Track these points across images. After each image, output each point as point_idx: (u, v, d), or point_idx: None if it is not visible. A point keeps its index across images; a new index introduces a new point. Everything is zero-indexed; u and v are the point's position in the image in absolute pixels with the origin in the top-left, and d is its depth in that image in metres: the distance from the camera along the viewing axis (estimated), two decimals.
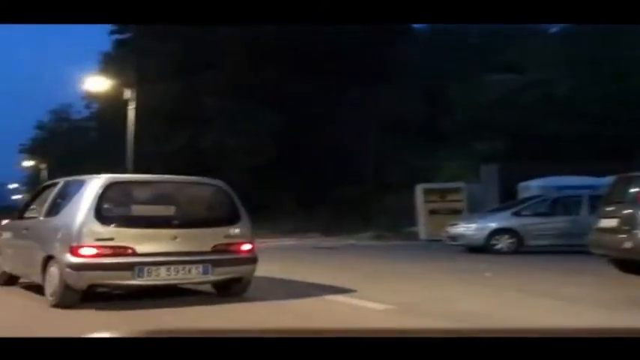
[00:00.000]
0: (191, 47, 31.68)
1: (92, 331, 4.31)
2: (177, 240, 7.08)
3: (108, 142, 36.90)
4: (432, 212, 22.11)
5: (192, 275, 7.13)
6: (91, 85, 28.52)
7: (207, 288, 7.81)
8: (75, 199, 7.22)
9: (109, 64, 35.21)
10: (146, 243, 6.97)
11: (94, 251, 6.72)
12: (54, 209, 7.69)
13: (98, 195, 6.95)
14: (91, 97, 44.09)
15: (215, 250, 7.26)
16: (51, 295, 6.96)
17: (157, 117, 32.60)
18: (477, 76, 29.28)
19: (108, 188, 7.09)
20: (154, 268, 6.89)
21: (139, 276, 6.83)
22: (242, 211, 7.73)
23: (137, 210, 7.40)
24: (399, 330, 1.17)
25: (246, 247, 7.52)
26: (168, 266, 6.95)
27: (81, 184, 7.45)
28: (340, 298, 7.68)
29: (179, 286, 7.55)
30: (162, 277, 6.98)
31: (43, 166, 53.33)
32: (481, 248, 15.60)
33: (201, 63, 32.09)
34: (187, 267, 7.06)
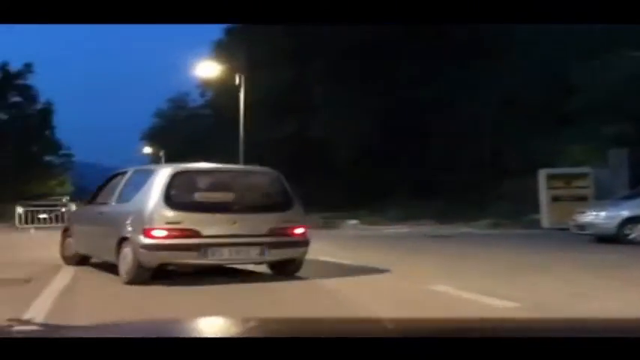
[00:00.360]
0: (299, 35, 31.45)
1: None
2: (237, 224, 7.68)
3: (222, 129, 37.50)
4: (556, 199, 20.68)
5: (251, 256, 7.80)
6: (203, 71, 29.04)
7: (263, 269, 8.39)
8: (146, 186, 7.80)
9: (220, 51, 35.72)
10: (209, 226, 7.56)
11: (164, 233, 7.35)
12: (126, 196, 8.30)
13: (167, 183, 7.59)
14: (204, 85, 45.89)
15: (271, 233, 7.83)
16: (125, 273, 7.52)
17: (266, 104, 32.91)
18: (603, 52, 27.11)
19: (175, 177, 7.75)
20: (217, 249, 7.51)
21: (203, 256, 7.43)
22: (294, 197, 8.34)
23: (201, 196, 7.93)
24: (400, 330, 1.05)
25: (299, 230, 8.11)
26: (229, 247, 7.61)
27: (150, 173, 8.18)
28: (459, 293, 6.90)
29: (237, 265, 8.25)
30: (224, 257, 7.66)
31: (161, 153, 55.17)
32: (612, 238, 14.31)
33: (310, 51, 31.85)
34: (246, 248, 7.73)
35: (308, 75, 31.07)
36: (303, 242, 8.16)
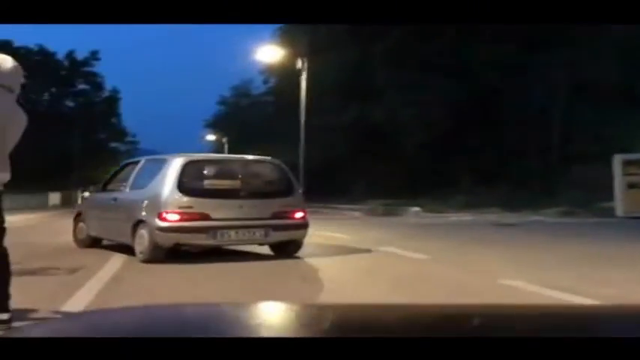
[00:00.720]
0: None
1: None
2: (243, 208, 8.51)
3: (283, 115, 37.41)
4: (632, 186, 19.57)
5: (256, 237, 8.61)
6: (265, 55, 28.78)
7: (265, 250, 9.07)
8: (160, 174, 8.52)
9: (283, 35, 35.51)
10: (218, 210, 8.34)
11: (177, 217, 8.12)
12: (140, 183, 8.98)
13: (179, 171, 8.34)
14: (267, 71, 46.46)
15: (273, 216, 8.67)
16: (140, 253, 8.28)
17: (328, 89, 32.55)
18: None
19: (186, 166, 8.48)
20: (225, 231, 8.32)
21: (213, 237, 8.26)
22: (295, 184, 9.40)
23: (210, 183, 8.69)
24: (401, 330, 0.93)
25: (299, 214, 8.99)
26: (236, 230, 8.40)
27: (163, 162, 8.81)
28: (534, 288, 6.22)
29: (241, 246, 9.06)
30: (232, 238, 8.45)
31: (224, 139, 55.89)
32: None
33: (374, 33, 31.17)
34: (252, 230, 8.51)
35: (372, 58, 30.40)
36: (303, 225, 9.03)
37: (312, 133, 26.35)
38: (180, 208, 8.19)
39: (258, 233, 8.60)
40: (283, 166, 9.44)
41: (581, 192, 23.60)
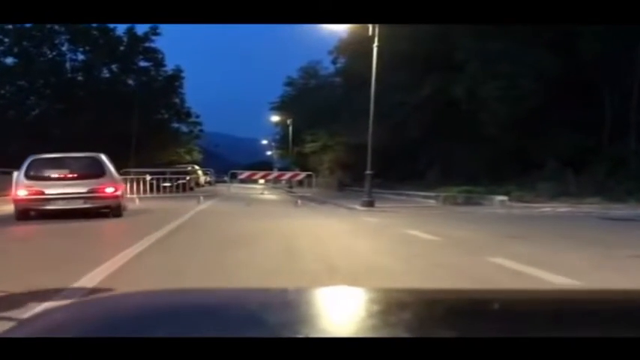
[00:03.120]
0: None
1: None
2: (68, 187, 13.33)
3: (352, 96, 35.36)
4: None
5: (77, 205, 13.23)
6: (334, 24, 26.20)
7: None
8: (21, 166, 13.86)
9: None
10: (49, 188, 13.22)
11: (25, 192, 13.18)
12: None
13: (27, 165, 13.60)
14: (335, 50, 45.18)
15: (89, 191, 13.36)
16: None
17: (402, 63, 30.00)
18: None
19: (32, 162, 13.69)
20: (54, 201, 13.19)
21: (47, 204, 13.16)
22: (107, 169, 13.92)
23: (47, 172, 13.58)
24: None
25: (109, 189, 13.57)
26: (62, 200, 13.23)
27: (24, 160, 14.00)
28: None
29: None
30: (59, 206, 13.16)
31: (289, 121, 55.14)
32: None
33: None
34: (73, 200, 13.27)
35: (452, 26, 27.33)
36: (113, 196, 13.55)
37: (383, 112, 23.81)
38: (26, 187, 13.16)
39: (78, 202, 13.25)
40: (99, 157, 14.09)
41: None
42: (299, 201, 19.87)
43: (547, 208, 18.45)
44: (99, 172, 13.64)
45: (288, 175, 31.44)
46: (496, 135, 27.61)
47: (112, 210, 13.53)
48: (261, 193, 28.00)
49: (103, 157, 14.03)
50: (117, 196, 13.64)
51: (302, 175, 30.29)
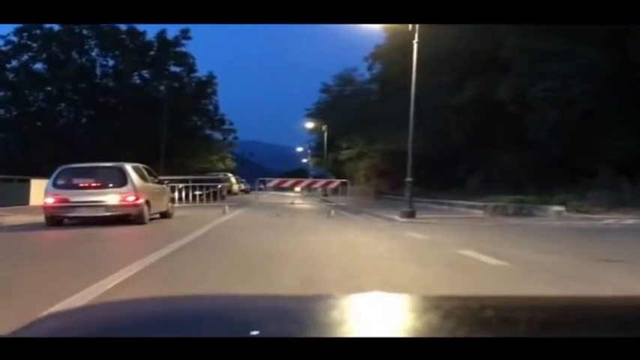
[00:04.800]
0: None
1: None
2: (92, 195, 14.14)
3: (389, 102, 34.00)
4: None
5: (100, 212, 14.03)
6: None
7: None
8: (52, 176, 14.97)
9: None
10: (75, 197, 14.12)
11: (52, 200, 14.22)
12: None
13: (56, 174, 14.69)
14: (371, 57, 43.97)
15: (111, 200, 14.13)
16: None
17: (443, 63, 28.37)
18: None
19: (61, 171, 14.71)
20: (78, 209, 14.10)
21: (72, 212, 14.21)
22: (130, 178, 14.46)
23: (74, 180, 14.51)
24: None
25: (130, 198, 14.17)
26: (86, 208, 14.03)
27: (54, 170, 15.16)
28: None
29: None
30: (83, 213, 14.08)
31: (324, 127, 54.19)
32: None
33: None
34: (96, 208, 14.04)
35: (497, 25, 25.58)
36: (133, 205, 14.14)
37: (422, 116, 22.21)
38: (53, 195, 14.13)
39: (101, 210, 13.93)
40: (123, 167, 14.61)
41: None
42: (332, 211, 18.17)
43: (610, 220, 16.49)
44: (121, 181, 14.30)
45: (322, 182, 29.65)
46: (544, 140, 25.64)
47: (134, 218, 14.04)
48: (292, 203, 26.32)
49: (127, 167, 14.69)
50: (137, 205, 14.12)
51: (336, 182, 28.76)
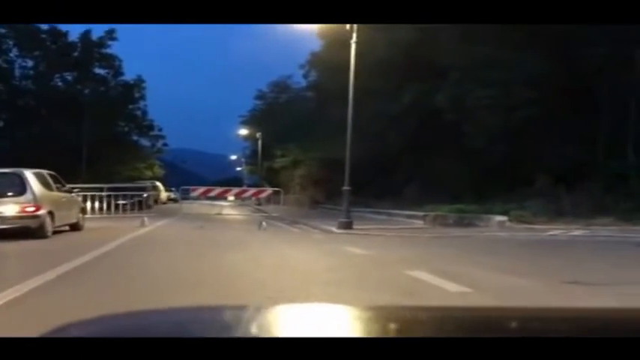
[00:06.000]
0: None
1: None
2: None
3: (325, 110, 33.66)
4: None
5: None
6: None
7: None
8: None
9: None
10: None
11: None
12: None
13: None
14: (307, 64, 44.01)
15: (10, 210, 12.40)
16: None
17: (380, 70, 27.53)
18: None
19: None
20: None
21: None
22: (30, 186, 12.69)
23: None
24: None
25: (29, 209, 12.43)
26: None
27: None
28: None
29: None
30: None
31: (258, 134, 53.36)
32: None
33: None
34: None
35: (435, 29, 24.87)
36: (33, 216, 12.42)
37: (359, 124, 21.34)
38: None
39: None
40: (23, 174, 12.89)
41: None
42: (264, 222, 16.81)
43: (555, 231, 15.80)
44: (20, 189, 12.67)
45: (252, 191, 28.19)
46: (482, 148, 25.08)
47: (34, 230, 12.28)
48: (219, 213, 24.71)
49: (27, 173, 12.99)
50: (38, 216, 12.45)
51: (268, 191, 27.45)
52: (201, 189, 22.68)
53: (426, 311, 1.21)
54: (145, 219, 16.50)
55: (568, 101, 24.67)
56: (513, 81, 23.18)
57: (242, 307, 1.03)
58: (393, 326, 0.95)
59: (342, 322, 0.98)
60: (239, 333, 0.87)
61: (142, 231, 14.29)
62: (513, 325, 1.02)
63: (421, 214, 19.89)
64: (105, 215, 20.53)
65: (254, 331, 0.89)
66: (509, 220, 17.85)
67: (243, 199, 40.58)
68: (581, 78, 23.95)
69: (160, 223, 17.50)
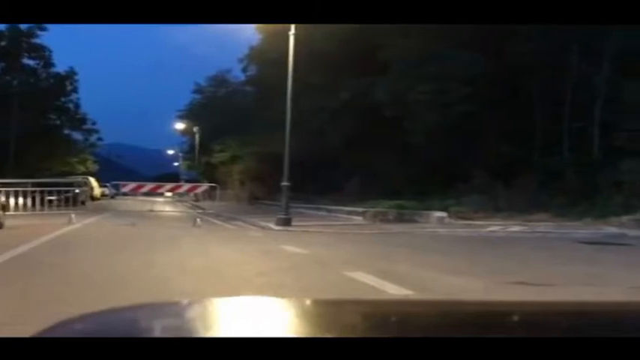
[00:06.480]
0: None
1: None
2: None
3: (264, 104, 33.30)
4: None
5: None
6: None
7: None
8: None
9: None
10: None
11: None
12: None
13: None
14: (246, 58, 43.25)
15: None
16: None
17: (320, 64, 27.27)
18: None
19: None
20: None
21: None
22: None
23: None
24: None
25: None
26: None
27: None
28: None
29: None
30: None
31: (195, 128, 52.56)
32: None
33: None
34: None
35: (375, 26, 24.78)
36: None
37: (299, 119, 21.01)
38: None
39: None
40: None
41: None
42: (198, 219, 16.21)
43: (494, 227, 15.79)
44: None
45: (186, 186, 27.44)
46: (422, 144, 25.10)
47: None
48: (150, 210, 23.85)
49: None
50: None
51: (203, 186, 26.77)
52: (132, 184, 21.96)
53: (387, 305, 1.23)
54: (73, 216, 15.65)
55: (505, 98, 24.94)
56: (452, 77, 23.24)
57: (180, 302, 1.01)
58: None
59: (291, 316, 0.99)
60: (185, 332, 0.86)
61: (68, 229, 13.44)
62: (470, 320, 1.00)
63: (361, 210, 19.66)
64: (30, 212, 19.52)
65: (216, 327, 0.90)
66: (449, 216, 17.80)
67: (181, 195, 39.85)
68: (517, 75, 24.22)
69: (89, 220, 16.67)
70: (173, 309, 1.09)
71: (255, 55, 39.50)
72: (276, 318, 0.97)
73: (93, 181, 41.08)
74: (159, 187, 23.33)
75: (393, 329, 0.94)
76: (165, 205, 30.27)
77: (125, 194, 24.69)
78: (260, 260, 7.94)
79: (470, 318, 1.03)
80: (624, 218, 16.47)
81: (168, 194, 34.74)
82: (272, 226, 15.34)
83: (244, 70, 46.42)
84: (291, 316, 1.00)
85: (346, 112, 27.67)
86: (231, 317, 0.97)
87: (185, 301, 1.17)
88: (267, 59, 31.11)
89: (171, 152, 79.09)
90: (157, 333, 0.89)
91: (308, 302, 1.20)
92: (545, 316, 1.06)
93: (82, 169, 47.66)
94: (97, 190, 42.12)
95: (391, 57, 24.83)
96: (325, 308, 1.12)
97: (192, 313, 1.03)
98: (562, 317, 1.05)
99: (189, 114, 59.04)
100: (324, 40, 26.14)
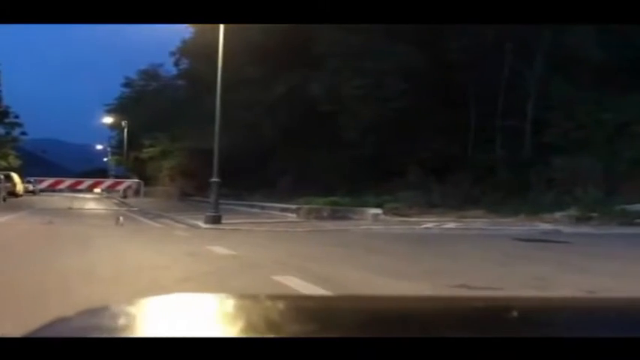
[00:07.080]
0: None
1: None
2: None
3: (197, 98, 32.44)
4: None
5: None
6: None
7: None
8: None
9: None
10: None
11: None
12: None
13: None
14: (178, 52, 43.31)
15: None
16: None
17: (254, 57, 26.65)
18: None
19: None
20: None
21: None
22: None
23: None
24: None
25: None
26: None
27: None
28: None
29: None
30: None
31: (124, 123, 51.28)
32: None
33: None
34: None
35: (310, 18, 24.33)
36: None
37: (231, 113, 20.39)
38: None
39: None
40: None
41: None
42: (121, 218, 15.34)
43: (428, 223, 15.51)
44: None
45: (108, 183, 26.37)
46: (356, 139, 24.78)
47: None
48: (70, 207, 22.69)
49: None
50: None
51: (127, 182, 25.81)
52: (50, 180, 20.86)
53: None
54: None
55: (439, 94, 24.88)
56: (386, 72, 23.00)
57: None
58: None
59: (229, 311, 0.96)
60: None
61: None
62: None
63: (295, 207, 19.13)
64: None
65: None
66: (384, 213, 17.45)
67: (110, 192, 38.70)
68: (453, 71, 24.17)
69: (4, 218, 15.55)
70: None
71: (188, 49, 39.08)
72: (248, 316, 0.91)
73: (16, 177, 39.26)
74: (79, 183, 22.22)
75: (378, 327, 0.91)
76: (91, 201, 28.94)
77: (43, 190, 23.47)
78: (182, 264, 7.23)
79: (462, 314, 1.00)
80: (557, 215, 16.49)
81: (97, 190, 33.45)
82: (200, 224, 14.62)
83: (176, 63, 46.14)
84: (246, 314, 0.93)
85: (282, 107, 27.14)
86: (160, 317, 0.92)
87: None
88: (200, 53, 30.45)
89: (99, 147, 76.82)
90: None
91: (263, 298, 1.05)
92: (546, 312, 1.04)
93: (3, 164, 45.50)
94: (20, 186, 40.31)
95: (326, 51, 24.39)
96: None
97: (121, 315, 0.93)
98: (568, 313, 1.03)
99: (119, 108, 57.36)
100: (261, 32, 25.52)
